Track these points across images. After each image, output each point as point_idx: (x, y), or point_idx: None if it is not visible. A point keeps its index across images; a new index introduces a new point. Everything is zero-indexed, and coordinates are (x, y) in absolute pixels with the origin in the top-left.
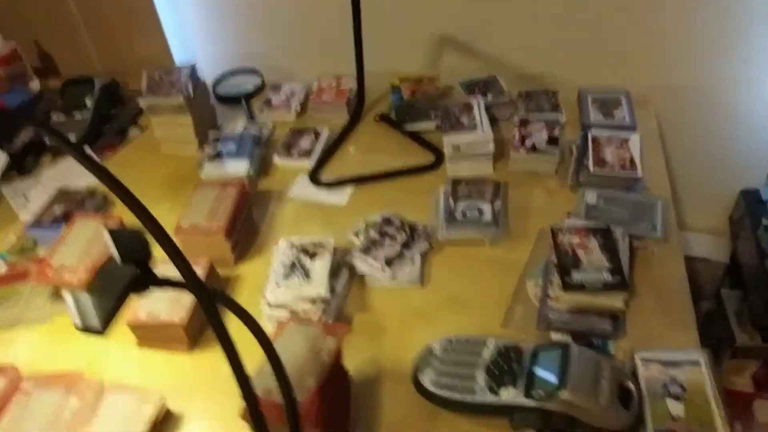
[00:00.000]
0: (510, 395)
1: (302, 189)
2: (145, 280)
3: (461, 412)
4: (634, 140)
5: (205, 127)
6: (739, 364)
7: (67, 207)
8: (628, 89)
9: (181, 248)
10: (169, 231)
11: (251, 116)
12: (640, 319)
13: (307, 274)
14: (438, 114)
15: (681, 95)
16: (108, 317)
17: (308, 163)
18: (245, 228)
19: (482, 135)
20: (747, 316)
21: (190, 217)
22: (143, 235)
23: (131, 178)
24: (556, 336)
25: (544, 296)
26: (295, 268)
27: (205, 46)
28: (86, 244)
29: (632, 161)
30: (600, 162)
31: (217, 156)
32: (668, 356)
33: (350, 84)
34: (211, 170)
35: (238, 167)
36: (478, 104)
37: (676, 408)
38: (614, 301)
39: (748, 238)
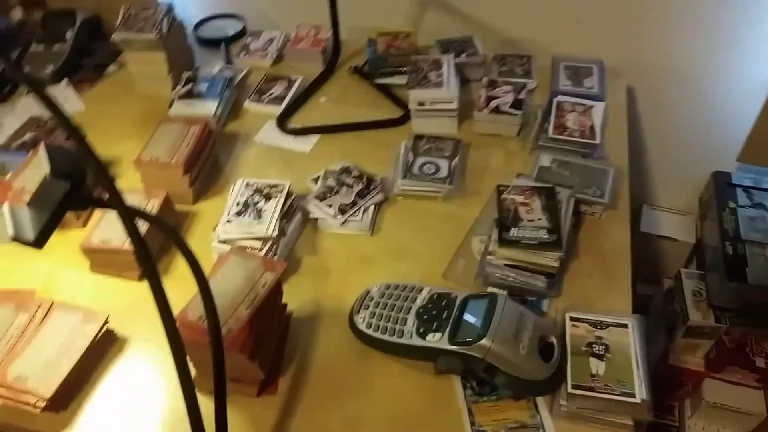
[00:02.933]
0: (435, 339)
1: (269, 134)
2: (76, 197)
3: (391, 354)
4: (598, 108)
5: (181, 68)
6: (692, 343)
7: (37, 135)
8: (602, 60)
9: (142, 181)
10: (130, 164)
11: (228, 60)
12: (577, 281)
13: (259, 214)
14: (406, 68)
15: (657, 73)
16: (42, 231)
17: (278, 110)
18: (208, 167)
19: (446, 92)
20: (704, 296)
21: (150, 150)
22: (79, 156)
23: (104, 112)
24: (492, 290)
25: (486, 251)
26: (248, 206)
27: None
28: None
29: (592, 129)
30: (560, 127)
31: (188, 95)
32: (598, 317)
33: (328, 34)
34: (180, 108)
35: (207, 107)
36: (447, 62)
37: (597, 366)
38: (549, 259)
39: (714, 220)
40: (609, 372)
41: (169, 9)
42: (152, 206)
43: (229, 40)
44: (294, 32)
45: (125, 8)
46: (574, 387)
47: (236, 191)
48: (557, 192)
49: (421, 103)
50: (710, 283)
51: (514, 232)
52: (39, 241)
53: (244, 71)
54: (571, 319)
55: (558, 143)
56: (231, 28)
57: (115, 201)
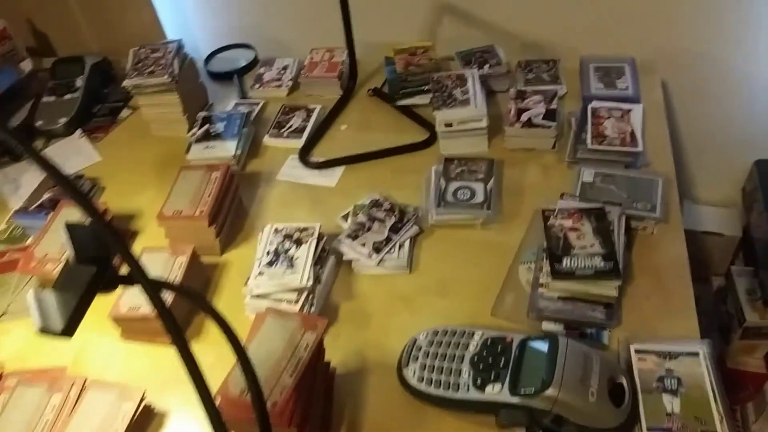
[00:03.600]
0: (495, 392)
1: (292, 170)
2: (104, 279)
3: (447, 409)
4: (636, 112)
5: (196, 106)
6: (749, 344)
7: (55, 194)
8: (632, 56)
9: (166, 236)
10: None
11: (243, 93)
12: (636, 305)
13: (291, 262)
14: (430, 86)
15: (688, 62)
16: (70, 320)
17: (299, 143)
18: (232, 214)
19: (475, 110)
20: (759, 294)
21: (173, 202)
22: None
23: (121, 160)
24: (547, 326)
25: (536, 283)
26: (279, 255)
27: (198, 21)
28: None
29: (633, 135)
30: (599, 136)
31: (205, 137)
32: (665, 347)
33: (343, 57)
34: (198, 152)
35: (226, 149)
36: (472, 76)
37: (672, 403)
38: (607, 289)
39: (761, 211)
40: (685, 409)
41: (179, 48)
42: (179, 264)
43: (242, 72)
44: (308, 58)
45: (134, 51)
46: (649, 430)
47: (265, 239)
48: (607, 212)
49: (449, 124)
50: (765, 280)
51: (566, 262)
52: (67, 331)
53: (260, 104)
54: (637, 351)
55: (598, 154)
56: (242, 58)
57: (139, 275)
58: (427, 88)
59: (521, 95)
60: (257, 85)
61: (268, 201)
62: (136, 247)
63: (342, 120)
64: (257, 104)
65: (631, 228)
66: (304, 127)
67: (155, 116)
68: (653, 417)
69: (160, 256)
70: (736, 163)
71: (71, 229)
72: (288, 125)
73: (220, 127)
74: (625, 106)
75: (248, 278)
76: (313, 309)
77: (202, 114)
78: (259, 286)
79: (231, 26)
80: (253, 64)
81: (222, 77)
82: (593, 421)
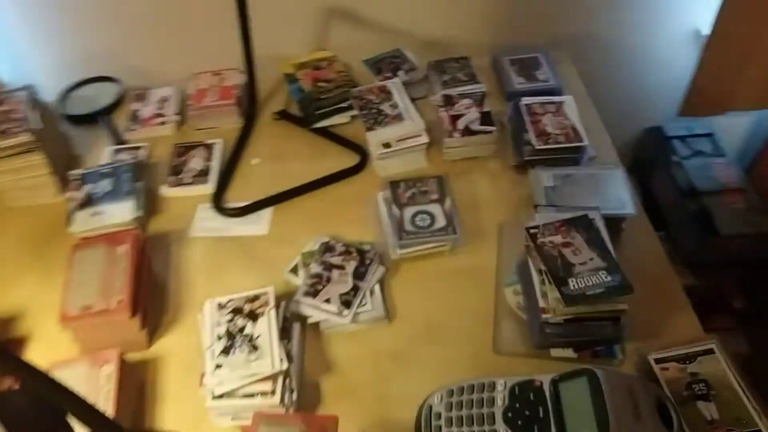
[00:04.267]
0: None
1: (207, 222)
2: None
3: None
4: (569, 104)
5: (62, 163)
6: None
7: None
8: (544, 46)
9: (75, 340)
10: (50, 316)
11: (117, 137)
12: (633, 311)
13: (252, 344)
14: (352, 105)
15: (577, 43)
16: None
17: (207, 188)
18: (149, 291)
19: (413, 125)
20: (674, 258)
21: (75, 295)
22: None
23: None
24: (556, 352)
25: (532, 307)
26: (234, 337)
27: (35, 53)
28: None
29: (574, 129)
30: (542, 135)
31: (88, 201)
32: (681, 352)
33: (235, 79)
34: (84, 222)
35: (121, 211)
36: (396, 87)
37: (708, 409)
38: (618, 303)
39: (663, 177)
40: (723, 413)
41: (32, 95)
42: (107, 375)
43: (107, 111)
44: (192, 85)
45: None
46: None
47: (209, 319)
48: (592, 219)
49: (387, 145)
50: (681, 242)
51: (573, 284)
52: None
53: (143, 149)
54: (657, 361)
55: (546, 154)
56: (104, 95)
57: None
58: (346, 104)
59: (449, 101)
60: (134, 126)
61: (189, 267)
62: (36, 360)
63: (251, 153)
64: (140, 148)
65: (613, 229)
66: (208, 168)
67: (11, 184)
68: (697, 429)
69: (78, 371)
70: (625, 133)
71: None
72: (187, 169)
73: (105, 185)
74: (556, 99)
75: (203, 375)
76: (294, 395)
77: (75, 172)
78: (222, 383)
79: (80, 56)
80: (120, 99)
81: (83, 120)
82: None
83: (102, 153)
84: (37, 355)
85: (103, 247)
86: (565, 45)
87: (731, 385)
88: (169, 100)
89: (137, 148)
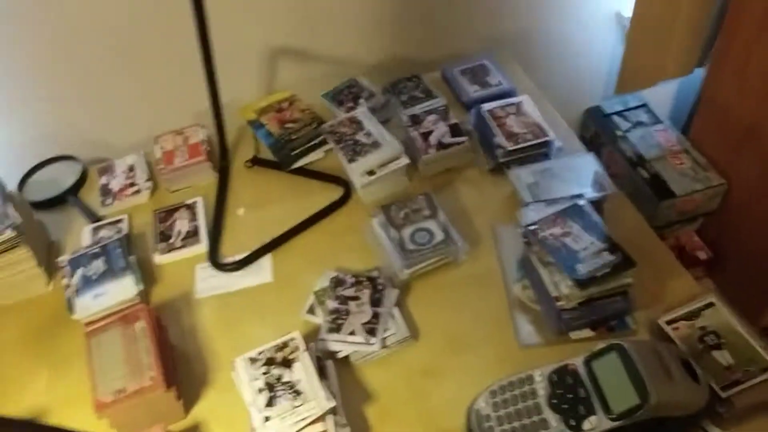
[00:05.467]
0: (594, 425)
1: (209, 281)
2: None
3: None
4: (527, 103)
5: (43, 251)
6: None
7: None
8: (489, 49)
9: (112, 426)
10: (75, 407)
11: (92, 215)
12: (635, 282)
13: (294, 390)
14: (325, 140)
15: (512, 40)
16: None
17: (200, 248)
18: (174, 361)
19: (392, 149)
20: None
21: (104, 382)
22: None
23: None
24: (576, 334)
25: (544, 298)
26: (274, 388)
27: None
28: None
29: (539, 126)
30: (511, 136)
31: (86, 284)
32: (686, 310)
33: (199, 135)
34: (87, 306)
35: (123, 289)
36: (365, 115)
37: (723, 357)
38: (624, 278)
39: (612, 152)
40: (736, 357)
41: (2, 188)
42: None
43: (74, 191)
44: (157, 149)
45: None
46: (723, 389)
47: (245, 376)
48: (582, 206)
49: (371, 172)
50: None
51: (581, 269)
52: None
53: (123, 221)
54: (667, 323)
55: (518, 153)
56: (65, 175)
57: None
58: (318, 141)
59: (416, 120)
60: (108, 200)
61: (204, 329)
62: None
63: (234, 204)
64: (121, 221)
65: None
66: (196, 228)
67: (5, 281)
68: (717, 376)
69: None
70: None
71: None
72: (175, 232)
73: (98, 265)
74: (514, 100)
75: (252, 431)
76: (347, 430)
77: (63, 258)
78: None
79: (29, 139)
80: (84, 176)
81: (49, 205)
82: (691, 407)
83: (80, 234)
84: None
85: (120, 328)
86: (502, 45)
87: (737, 331)
88: (136, 167)
89: (117, 221)
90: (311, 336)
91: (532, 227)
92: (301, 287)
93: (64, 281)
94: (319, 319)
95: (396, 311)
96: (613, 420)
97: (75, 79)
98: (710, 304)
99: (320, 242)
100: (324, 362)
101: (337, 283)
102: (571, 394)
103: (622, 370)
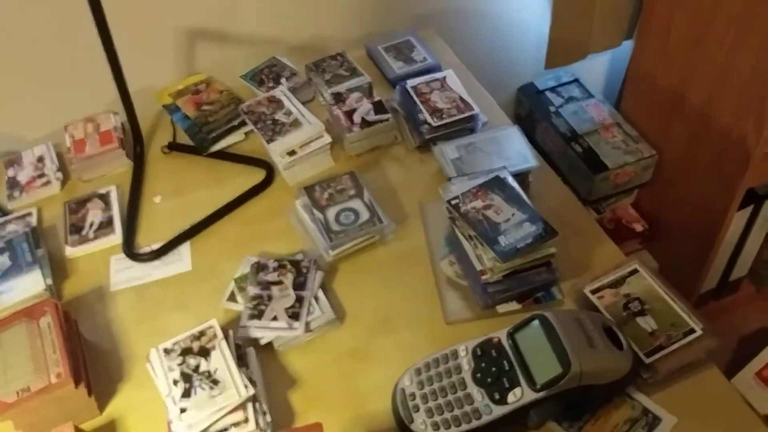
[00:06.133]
0: (518, 396)
1: (125, 273)
2: None
3: None
4: (451, 77)
5: None
6: None
7: None
8: (412, 27)
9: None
10: None
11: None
12: (559, 253)
13: (212, 380)
14: (244, 121)
15: (438, 18)
16: None
17: (114, 238)
18: (85, 357)
19: (312, 127)
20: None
21: (7, 381)
22: None
23: None
24: (503, 308)
25: (470, 273)
26: (191, 378)
27: None
28: None
29: (462, 100)
30: (435, 112)
31: None
32: (610, 278)
33: (111, 122)
34: None
35: (29, 284)
36: (284, 94)
37: (647, 323)
38: (547, 249)
39: (546, 128)
40: (660, 322)
41: None
42: None
43: None
44: (66, 138)
45: None
46: (646, 355)
47: (159, 368)
48: (504, 178)
49: (292, 152)
50: (577, 185)
51: (503, 241)
52: None
53: (31, 214)
54: (592, 292)
55: (443, 129)
56: None
57: None
58: (237, 122)
59: (339, 98)
60: (16, 192)
61: (119, 322)
62: None
63: (150, 191)
64: (30, 215)
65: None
66: (110, 218)
67: None
68: (642, 343)
69: None
70: (502, 95)
71: None
72: (88, 224)
73: (3, 261)
74: (438, 75)
75: (169, 423)
76: (267, 417)
77: None
78: (191, 426)
79: None
80: None
81: None
82: (614, 374)
83: None
84: None
85: (24, 324)
86: (427, 23)
87: (660, 296)
88: (45, 158)
89: (25, 215)
90: (233, 324)
91: (454, 201)
92: (221, 275)
93: None
94: (240, 306)
95: (321, 294)
96: (536, 391)
97: None
98: (634, 271)
99: (242, 228)
100: (244, 350)
101: (259, 268)
102: (495, 367)
103: (544, 340)
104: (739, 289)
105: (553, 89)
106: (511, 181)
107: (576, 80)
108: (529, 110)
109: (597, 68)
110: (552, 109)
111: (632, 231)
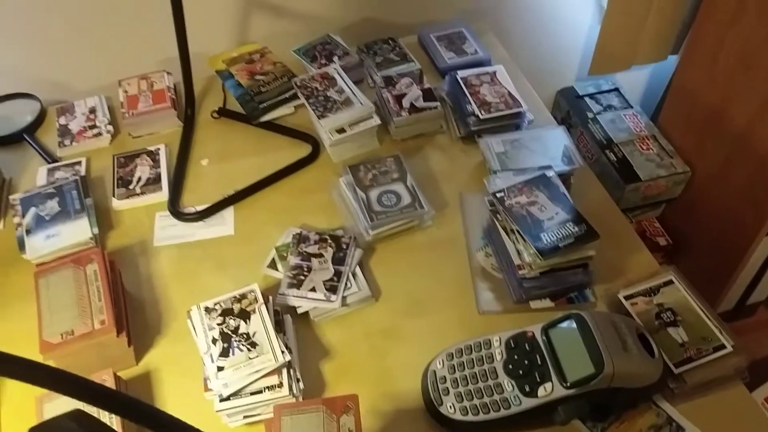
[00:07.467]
0: (549, 391)
1: (169, 230)
2: None
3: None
4: (501, 73)
5: None
6: None
7: None
8: (463, 20)
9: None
10: (17, 347)
11: (49, 155)
12: (596, 255)
13: (250, 342)
14: (296, 95)
15: (489, 14)
16: None
17: (160, 196)
18: (127, 307)
19: (363, 108)
20: None
21: (53, 323)
22: None
23: None
24: (536, 304)
25: (507, 266)
26: (230, 338)
27: None
28: None
29: (511, 96)
30: (483, 104)
31: (39, 224)
32: (645, 286)
33: (165, 81)
34: (39, 247)
35: (77, 231)
36: (338, 73)
37: (678, 334)
38: (587, 251)
39: (582, 134)
40: (691, 335)
41: None
42: None
43: (30, 130)
44: (120, 93)
45: None
46: (676, 366)
47: (200, 325)
48: (550, 176)
49: (341, 130)
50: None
51: (545, 238)
52: None
53: (81, 164)
54: (626, 298)
55: (490, 122)
56: (22, 112)
57: None
58: (288, 95)
59: (390, 82)
60: (67, 141)
61: (160, 277)
62: (18, 398)
63: (198, 154)
64: (78, 164)
65: (564, 183)
66: (158, 175)
67: None
68: (672, 354)
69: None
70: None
71: None
72: (135, 178)
73: (53, 206)
74: (489, 69)
75: (206, 380)
76: (300, 384)
77: (16, 196)
78: (228, 385)
79: None
80: (42, 115)
81: (3, 143)
82: (644, 380)
83: (35, 174)
84: (16, 392)
85: (71, 270)
86: (479, 17)
87: (693, 309)
88: (97, 110)
89: (74, 164)
90: (271, 290)
91: (499, 194)
92: (262, 242)
93: (16, 220)
94: (280, 274)
95: (358, 271)
96: (567, 388)
97: (40, 17)
98: (669, 282)
99: (285, 199)
100: (282, 316)
101: (301, 239)
102: (527, 360)
103: (579, 339)
104: (755, 313)
105: (592, 96)
106: (556, 180)
107: (616, 89)
108: (567, 113)
109: (637, 80)
110: (590, 115)
111: (656, 245)
